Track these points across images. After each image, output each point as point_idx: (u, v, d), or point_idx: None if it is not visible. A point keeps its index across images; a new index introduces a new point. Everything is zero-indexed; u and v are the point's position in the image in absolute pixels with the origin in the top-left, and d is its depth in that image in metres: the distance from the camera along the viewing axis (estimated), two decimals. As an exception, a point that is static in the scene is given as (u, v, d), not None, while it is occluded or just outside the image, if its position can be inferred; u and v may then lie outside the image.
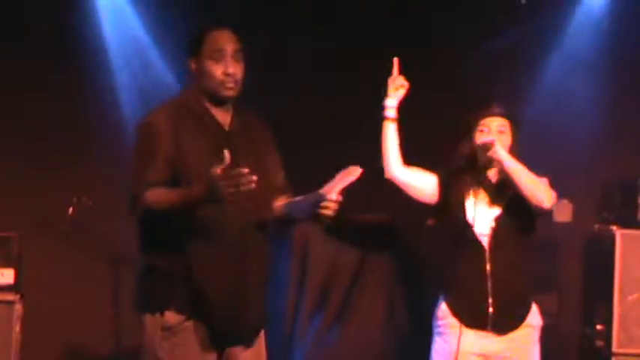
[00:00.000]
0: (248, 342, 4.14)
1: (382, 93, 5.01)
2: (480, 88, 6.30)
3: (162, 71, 6.54)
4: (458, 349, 4.64)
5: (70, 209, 6.11)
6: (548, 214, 4.88)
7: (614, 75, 6.58)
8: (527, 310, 4.76)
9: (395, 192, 6.30)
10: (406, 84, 4.88)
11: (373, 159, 6.15)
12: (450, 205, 4.80)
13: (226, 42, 4.09)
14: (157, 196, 3.90)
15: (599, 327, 6.16)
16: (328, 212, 4.00)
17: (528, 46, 6.61)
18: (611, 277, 6.08)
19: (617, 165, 6.47)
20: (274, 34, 6.37)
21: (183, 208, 3.87)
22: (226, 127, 4.12)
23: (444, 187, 4.86)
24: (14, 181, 6.34)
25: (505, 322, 4.69)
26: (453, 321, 4.72)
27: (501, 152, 4.71)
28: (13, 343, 5.80)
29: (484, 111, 4.85)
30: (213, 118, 4.10)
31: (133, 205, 3.99)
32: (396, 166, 4.91)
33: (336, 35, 6.49)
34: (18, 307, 5.86)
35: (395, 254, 6.51)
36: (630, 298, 6.08)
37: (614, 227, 6.14)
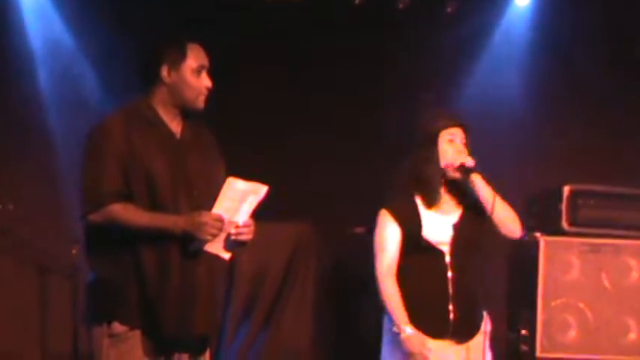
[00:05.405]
0: (195, 352, 4.20)
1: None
2: (404, 97, 6.38)
3: (87, 74, 6.49)
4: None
5: (-5, 215, 6.06)
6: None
7: (538, 85, 6.70)
8: (482, 316, 4.67)
9: (319, 199, 6.39)
10: None
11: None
12: (406, 222, 4.61)
13: (206, 58, 4.22)
14: (128, 212, 4.01)
15: (523, 332, 6.25)
16: (245, 237, 4.12)
17: (454, 56, 6.69)
18: (534, 283, 6.17)
19: (542, 173, 6.59)
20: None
21: (154, 232, 3.99)
22: (178, 136, 4.20)
23: (401, 218, 4.62)
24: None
25: (465, 329, 4.58)
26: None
27: (480, 181, 4.57)
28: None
29: (449, 120, 4.63)
30: (165, 126, 4.17)
31: (89, 212, 4.05)
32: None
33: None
34: (-59, 316, 5.78)
35: (319, 261, 6.53)
36: (553, 304, 6.18)
37: (538, 234, 6.24)
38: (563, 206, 6.25)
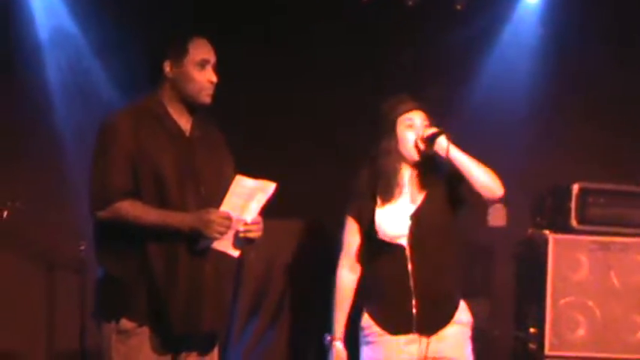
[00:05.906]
0: (203, 349, 4.22)
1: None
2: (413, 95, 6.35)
3: (95, 67, 6.48)
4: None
5: (4, 213, 6.04)
6: (496, 202, 4.60)
7: (547, 83, 6.68)
8: (455, 306, 4.54)
9: (325, 197, 6.38)
10: None
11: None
12: (364, 222, 4.59)
13: (211, 52, 4.21)
14: (136, 209, 4.03)
15: (532, 330, 6.24)
16: (253, 235, 4.14)
17: (463, 53, 6.68)
18: (543, 281, 6.17)
19: (551, 170, 6.57)
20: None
21: (162, 229, 4.01)
22: (187, 133, 4.20)
23: (360, 219, 4.61)
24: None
25: (430, 322, 4.45)
26: (378, 330, 4.52)
27: (451, 145, 4.43)
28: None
29: (406, 105, 4.54)
30: (175, 123, 4.18)
31: (98, 208, 4.07)
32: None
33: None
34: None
35: (326, 257, 6.51)
36: (562, 302, 6.17)
37: (547, 232, 6.23)
38: (573, 204, 6.24)
